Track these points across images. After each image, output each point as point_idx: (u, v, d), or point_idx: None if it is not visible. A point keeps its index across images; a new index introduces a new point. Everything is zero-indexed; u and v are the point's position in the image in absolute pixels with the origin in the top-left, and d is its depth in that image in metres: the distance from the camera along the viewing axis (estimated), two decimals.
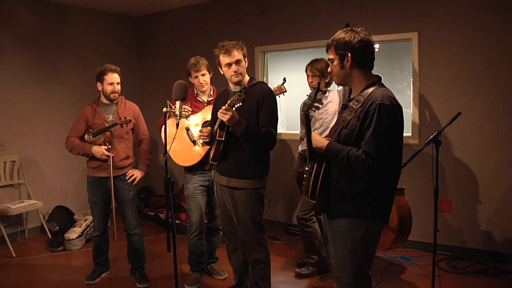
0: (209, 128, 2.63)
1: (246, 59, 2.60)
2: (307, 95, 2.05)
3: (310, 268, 3.38)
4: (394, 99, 1.83)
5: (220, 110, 2.39)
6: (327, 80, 3.34)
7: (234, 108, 2.38)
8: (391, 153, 1.80)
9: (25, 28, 4.44)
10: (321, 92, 2.11)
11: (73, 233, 4.14)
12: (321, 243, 3.36)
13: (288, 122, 5.23)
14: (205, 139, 2.61)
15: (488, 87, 3.50)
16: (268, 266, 2.66)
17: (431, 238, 2.82)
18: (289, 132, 4.66)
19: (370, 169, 1.76)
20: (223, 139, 2.49)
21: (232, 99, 2.41)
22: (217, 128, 2.50)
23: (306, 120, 1.88)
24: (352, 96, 1.96)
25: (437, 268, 3.23)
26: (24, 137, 4.49)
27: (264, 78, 4.71)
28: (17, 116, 4.43)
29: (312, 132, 1.90)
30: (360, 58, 1.86)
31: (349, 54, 1.84)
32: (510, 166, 3.47)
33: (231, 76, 2.56)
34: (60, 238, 4.14)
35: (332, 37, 1.90)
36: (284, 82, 3.38)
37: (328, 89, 3.37)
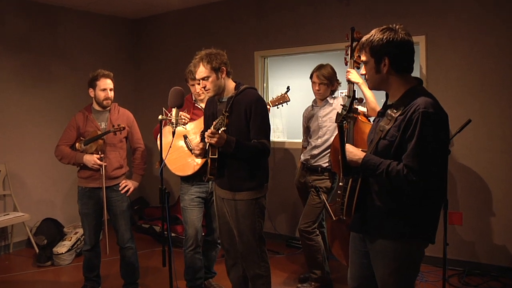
0: (201, 144, 2.67)
1: (222, 68, 2.57)
2: (341, 105, 2.00)
3: (313, 283, 3.38)
4: (439, 106, 1.74)
5: (206, 134, 2.43)
6: (333, 88, 3.36)
7: (220, 131, 2.41)
8: (436, 167, 1.71)
9: (13, 31, 4.48)
10: (357, 101, 2.03)
11: (62, 247, 4.13)
12: (324, 257, 3.36)
13: (289, 130, 5.26)
14: (198, 155, 2.67)
15: (499, 93, 3.53)
16: (269, 281, 2.67)
17: (441, 252, 2.82)
18: (291, 140, 4.68)
19: (413, 185, 1.68)
20: (216, 156, 2.53)
21: (217, 121, 2.45)
22: (208, 146, 2.54)
23: (340, 131, 1.83)
24: (389, 102, 1.87)
25: (448, 284, 3.23)
26: (11, 145, 4.49)
27: (264, 85, 4.74)
28: (4, 123, 4.44)
29: (346, 144, 1.84)
30: (399, 62, 1.77)
31: (386, 59, 1.77)
32: None
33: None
34: (48, 253, 4.13)
35: (367, 37, 1.81)
36: (287, 91, 3.40)
37: (333, 96, 3.40)
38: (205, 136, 2.45)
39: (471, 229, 3.69)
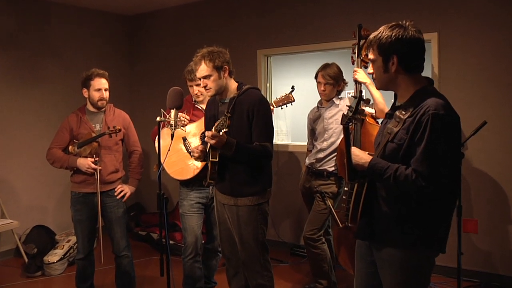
0: (201, 147, 2.68)
1: (225, 67, 2.58)
2: (347, 106, 2.03)
3: None
4: (451, 107, 1.74)
5: (206, 134, 2.45)
6: (339, 88, 3.37)
7: (221, 133, 2.42)
8: (447, 169, 1.69)
9: (1, 28, 4.48)
10: (364, 102, 2.03)
11: (53, 256, 4.13)
12: (331, 266, 3.36)
13: (294, 133, 5.26)
14: (197, 158, 2.68)
15: None
16: None
17: (455, 262, 2.82)
18: (296, 143, 4.69)
19: (422, 191, 1.68)
20: (216, 159, 2.54)
21: (218, 122, 2.47)
22: (209, 149, 2.55)
23: (346, 134, 1.83)
24: (398, 103, 1.87)
25: None
26: None
27: (268, 84, 4.75)
28: None
29: (352, 147, 1.85)
30: (408, 61, 1.78)
31: (395, 57, 1.77)
32: None
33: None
34: (39, 262, 4.13)
35: (375, 34, 1.82)
36: (292, 91, 3.41)
37: (339, 96, 3.41)
38: (206, 138, 2.46)
39: (487, 238, 3.67)
